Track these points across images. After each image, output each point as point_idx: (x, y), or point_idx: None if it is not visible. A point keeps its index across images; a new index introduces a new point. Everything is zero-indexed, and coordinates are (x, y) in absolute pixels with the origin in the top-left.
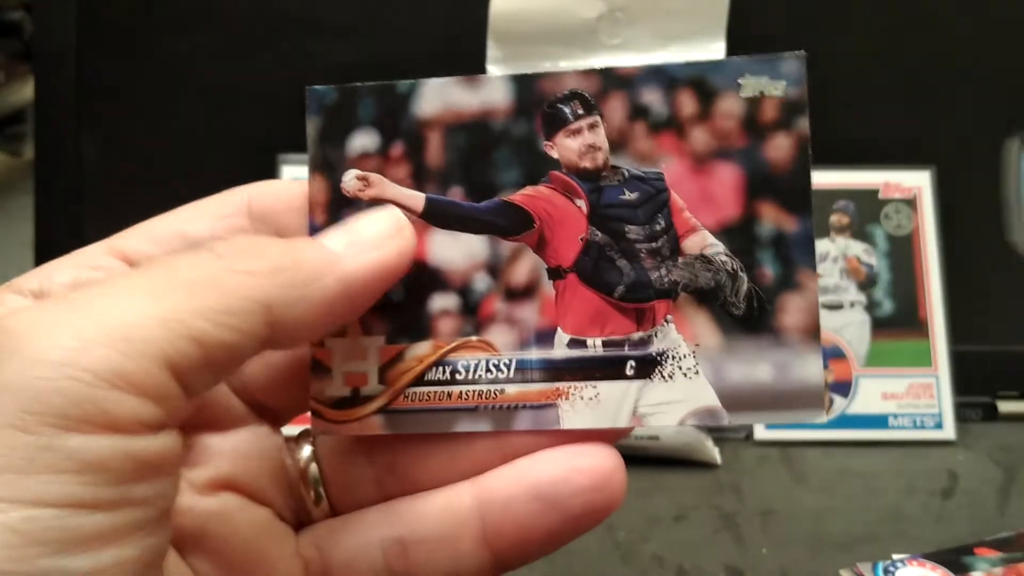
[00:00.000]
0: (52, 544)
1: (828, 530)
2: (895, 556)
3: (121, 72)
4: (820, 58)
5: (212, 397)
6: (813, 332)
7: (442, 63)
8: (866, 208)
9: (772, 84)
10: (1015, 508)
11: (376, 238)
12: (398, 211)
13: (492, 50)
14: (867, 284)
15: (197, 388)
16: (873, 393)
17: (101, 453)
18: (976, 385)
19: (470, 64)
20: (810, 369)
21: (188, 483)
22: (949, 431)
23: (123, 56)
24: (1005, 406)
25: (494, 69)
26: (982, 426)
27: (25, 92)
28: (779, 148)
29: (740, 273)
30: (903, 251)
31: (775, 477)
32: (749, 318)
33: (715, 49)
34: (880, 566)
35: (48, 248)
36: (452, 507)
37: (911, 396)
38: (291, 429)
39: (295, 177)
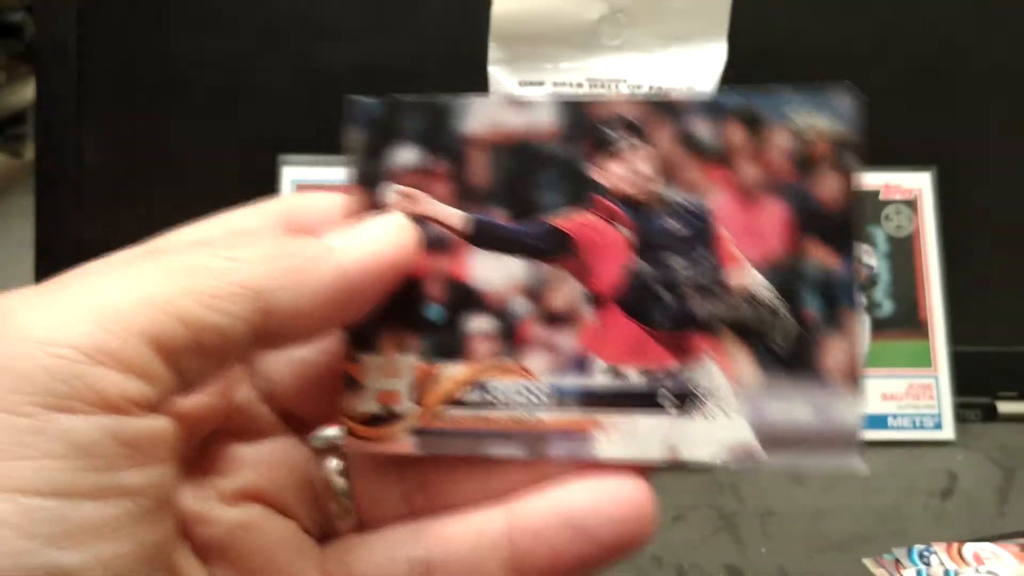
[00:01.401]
0: (44, 537)
1: (827, 530)
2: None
3: (122, 73)
4: (820, 58)
5: (241, 405)
6: (853, 375)
7: (444, 64)
8: (867, 209)
9: (823, 119)
10: (1014, 508)
11: (376, 236)
12: (401, 215)
13: (494, 51)
14: (867, 285)
15: (189, 373)
16: (873, 394)
17: (91, 435)
18: (975, 386)
19: (471, 65)
20: (847, 413)
21: (214, 492)
22: (948, 431)
23: (124, 57)
24: (1004, 407)
25: (496, 70)
26: (981, 427)
27: (26, 93)
28: (828, 185)
29: (783, 311)
30: (903, 252)
31: (774, 477)
32: (790, 357)
33: (716, 50)
34: (915, 551)
35: (48, 248)
36: (482, 531)
37: (911, 397)
38: (320, 440)
39: (295, 179)
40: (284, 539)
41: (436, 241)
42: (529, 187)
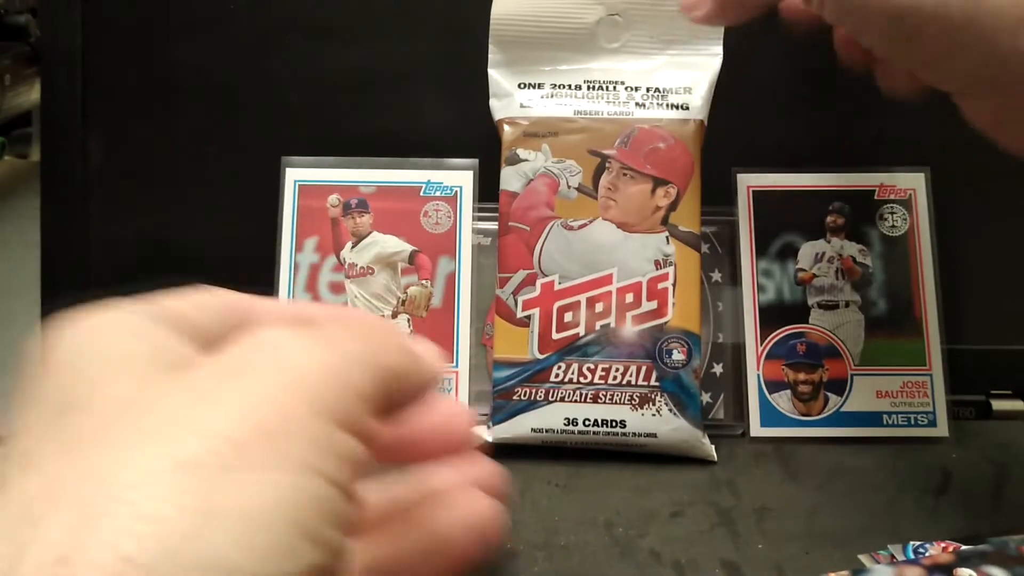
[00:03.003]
0: (340, 522)
1: (822, 526)
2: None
3: (127, 75)
4: (819, 58)
5: None
6: None
7: (444, 66)
8: (861, 209)
9: None
10: (1008, 506)
11: (434, 357)
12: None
13: (493, 53)
14: (862, 284)
15: None
16: (867, 391)
17: (353, 452)
18: (970, 384)
19: (472, 66)
20: None
21: None
22: (943, 429)
23: (129, 59)
24: (998, 404)
25: (495, 73)
26: (975, 424)
27: (32, 95)
28: None
29: None
30: (898, 251)
31: (770, 474)
32: None
33: (714, 52)
34: (910, 547)
35: (54, 249)
36: None
37: (905, 394)
38: None
39: (298, 180)
40: None
41: None
42: None
